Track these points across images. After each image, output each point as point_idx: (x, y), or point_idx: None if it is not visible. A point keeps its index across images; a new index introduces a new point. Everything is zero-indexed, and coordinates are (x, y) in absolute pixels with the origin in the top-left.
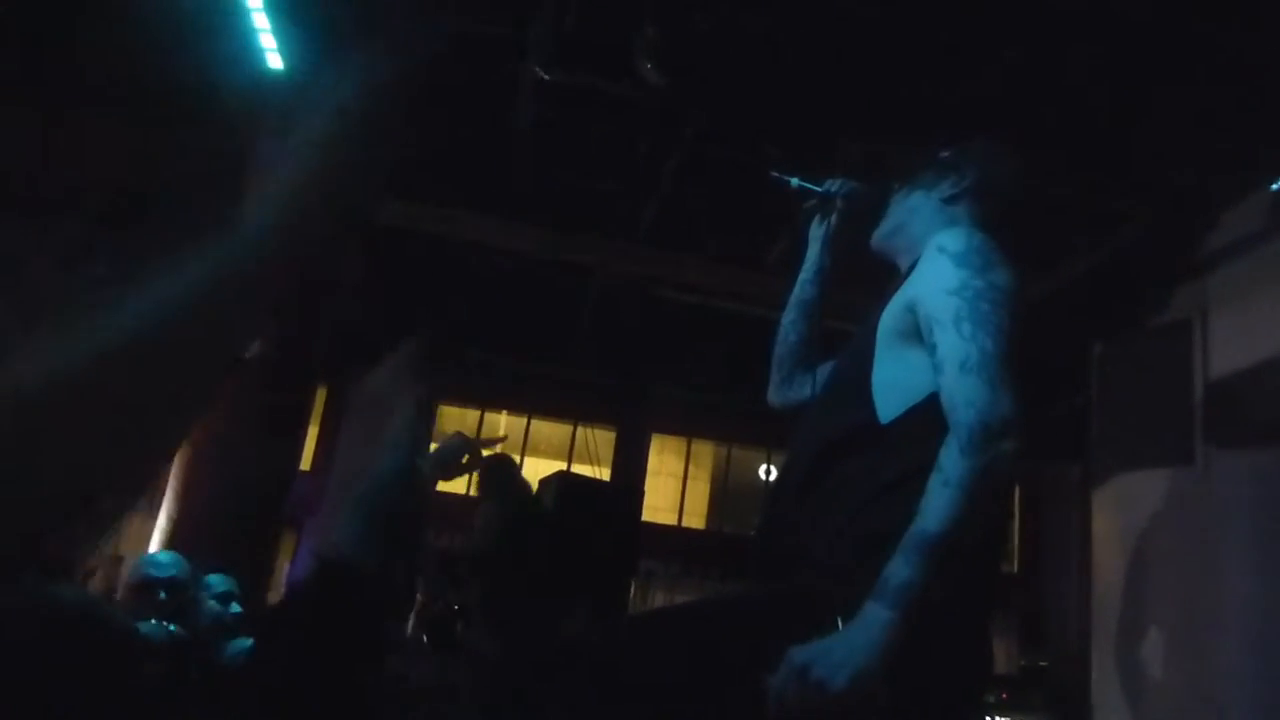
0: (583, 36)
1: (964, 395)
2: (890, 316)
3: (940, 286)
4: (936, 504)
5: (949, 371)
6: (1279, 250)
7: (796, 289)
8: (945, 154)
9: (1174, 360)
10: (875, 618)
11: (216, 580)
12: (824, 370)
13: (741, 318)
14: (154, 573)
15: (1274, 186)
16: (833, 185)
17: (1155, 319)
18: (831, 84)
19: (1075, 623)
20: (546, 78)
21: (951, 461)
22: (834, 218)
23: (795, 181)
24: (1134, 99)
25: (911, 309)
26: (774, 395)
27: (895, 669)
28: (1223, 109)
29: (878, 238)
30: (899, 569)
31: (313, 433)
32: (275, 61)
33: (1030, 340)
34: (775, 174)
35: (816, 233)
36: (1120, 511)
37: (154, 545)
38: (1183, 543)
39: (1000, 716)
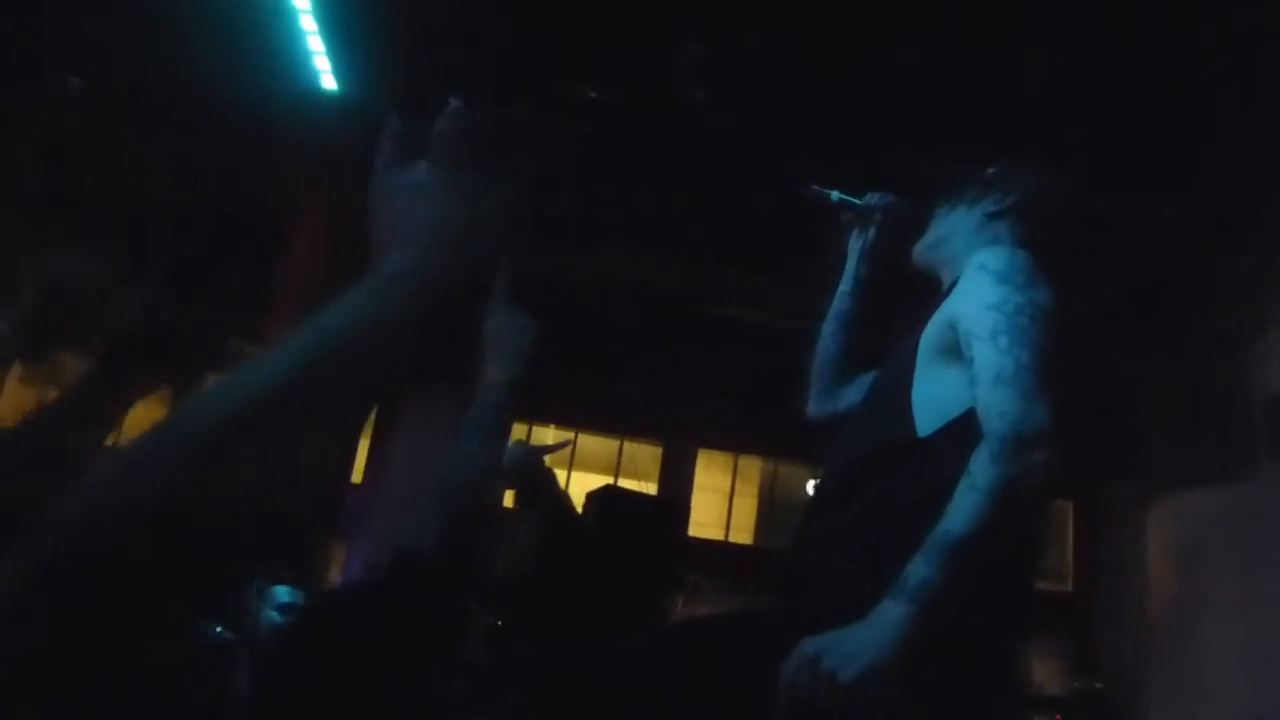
0: (626, 54)
1: (998, 406)
2: (931, 333)
3: (980, 303)
4: (962, 507)
5: (984, 383)
6: None
7: (835, 301)
8: (990, 171)
9: (1234, 374)
10: (891, 613)
11: (282, 592)
12: (863, 382)
13: (789, 333)
14: None
15: None
16: (872, 199)
17: (1214, 333)
18: (873, 99)
19: (1131, 643)
20: (594, 95)
21: (981, 467)
22: (872, 231)
23: (835, 195)
24: (1190, 115)
25: (952, 325)
26: (813, 407)
27: (910, 669)
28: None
29: (919, 251)
30: (919, 567)
31: (363, 446)
32: (329, 83)
33: (1084, 356)
34: (815, 187)
35: (855, 246)
36: (1176, 529)
37: None
38: (1243, 559)
39: None
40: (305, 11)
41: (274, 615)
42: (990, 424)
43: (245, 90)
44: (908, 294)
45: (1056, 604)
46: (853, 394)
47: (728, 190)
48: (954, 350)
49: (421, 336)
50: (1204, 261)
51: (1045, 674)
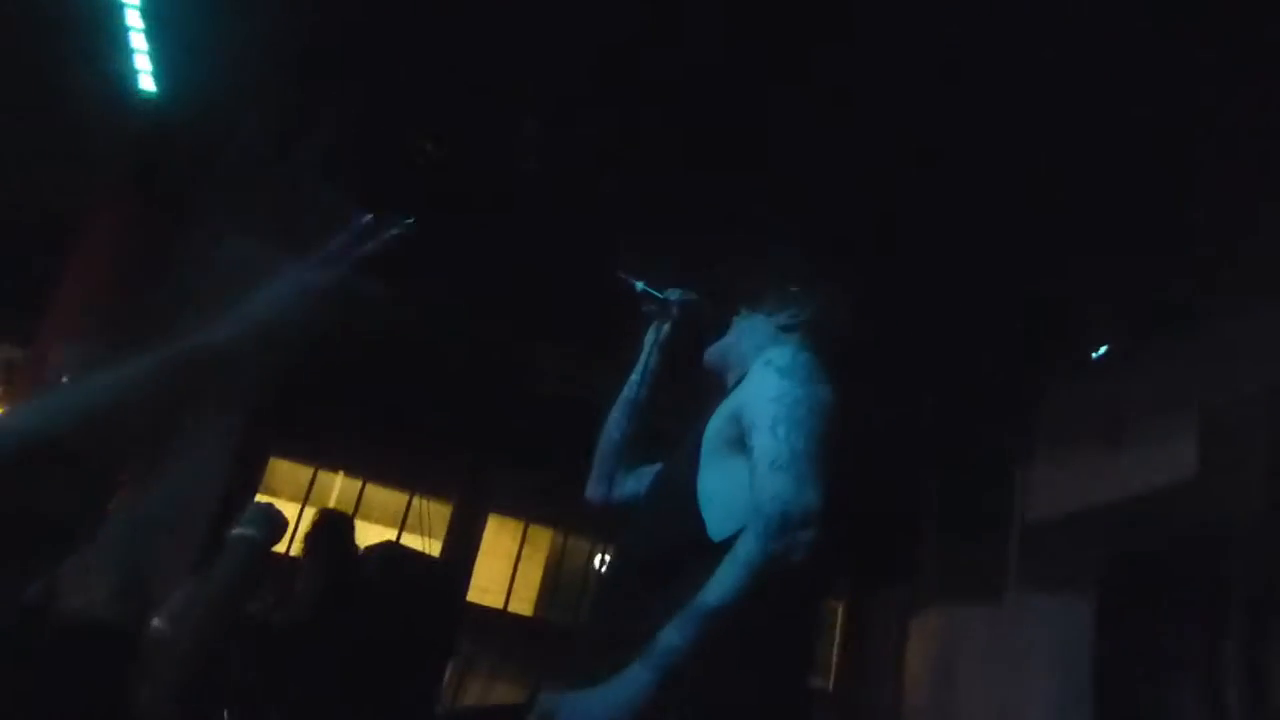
0: (463, 121)
1: (771, 490)
2: (716, 425)
3: (763, 395)
4: (720, 580)
5: (760, 470)
6: (1099, 410)
7: (625, 389)
8: (791, 288)
9: (996, 503)
10: (635, 678)
11: None
12: (644, 472)
13: (591, 406)
14: None
15: (1096, 355)
16: (673, 294)
17: (982, 462)
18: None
19: None
20: (429, 149)
21: (744, 545)
22: (668, 326)
23: (640, 285)
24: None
25: (736, 418)
26: (592, 490)
27: None
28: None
29: (711, 353)
30: (670, 635)
31: None
32: (148, 84)
33: (863, 474)
34: (622, 274)
35: (651, 337)
36: (935, 640)
37: None
38: (988, 674)
39: None
40: (132, 7)
41: None
42: (762, 506)
43: (56, 81)
44: (695, 392)
45: (816, 700)
46: (633, 483)
47: (546, 261)
48: (738, 442)
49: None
50: (979, 387)
51: None
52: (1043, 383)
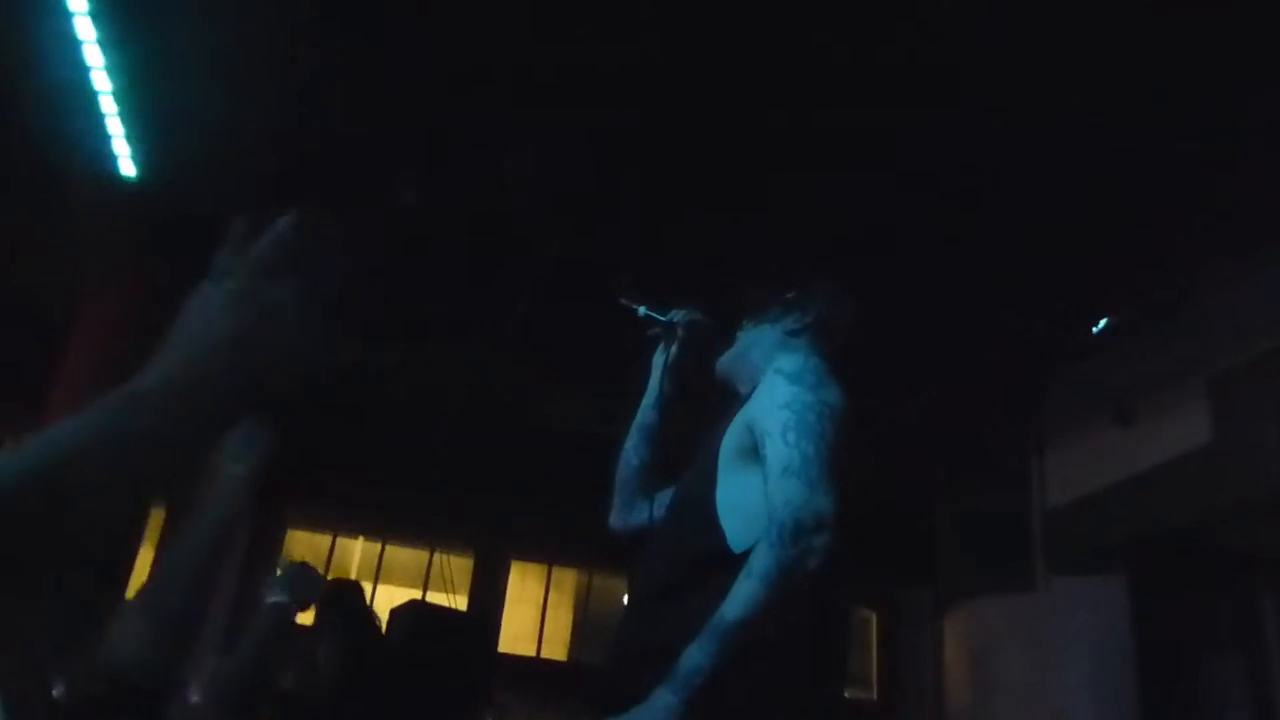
0: (455, 160)
1: (783, 496)
2: (731, 436)
3: (773, 402)
4: (739, 594)
5: (773, 477)
6: (1107, 390)
7: (638, 415)
8: (790, 294)
9: (1016, 492)
10: (661, 702)
11: None
12: (665, 497)
13: (604, 441)
14: None
15: (1096, 329)
16: (675, 315)
17: (997, 453)
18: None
19: None
20: (416, 197)
21: (759, 556)
22: (675, 347)
23: (642, 310)
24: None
25: (750, 427)
26: (615, 520)
27: None
28: (1051, 258)
29: (722, 364)
30: (693, 655)
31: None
32: (128, 169)
33: (881, 473)
34: (624, 300)
35: (659, 360)
36: (969, 637)
37: None
38: (1028, 665)
39: None
40: (106, 94)
41: None
42: (775, 513)
43: (38, 170)
44: (709, 409)
45: (864, 711)
46: (655, 508)
47: (546, 295)
48: (753, 452)
49: (179, 449)
50: (989, 385)
51: None
52: (1048, 370)
